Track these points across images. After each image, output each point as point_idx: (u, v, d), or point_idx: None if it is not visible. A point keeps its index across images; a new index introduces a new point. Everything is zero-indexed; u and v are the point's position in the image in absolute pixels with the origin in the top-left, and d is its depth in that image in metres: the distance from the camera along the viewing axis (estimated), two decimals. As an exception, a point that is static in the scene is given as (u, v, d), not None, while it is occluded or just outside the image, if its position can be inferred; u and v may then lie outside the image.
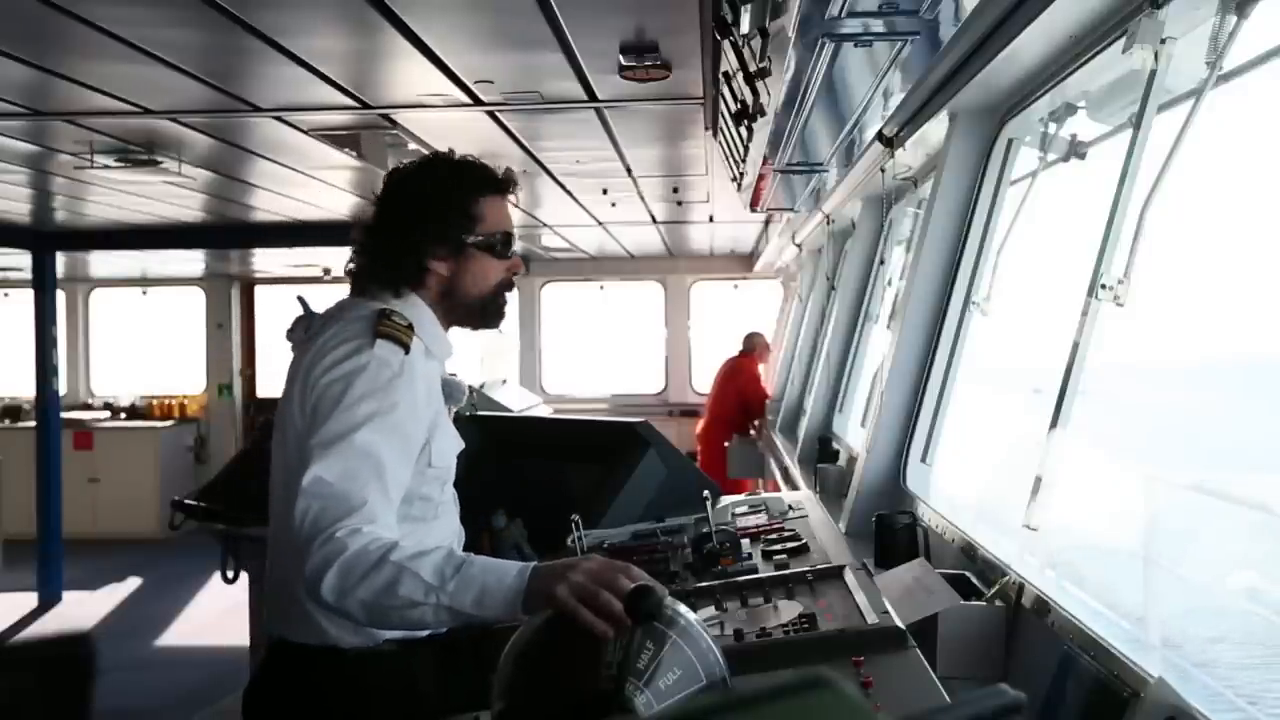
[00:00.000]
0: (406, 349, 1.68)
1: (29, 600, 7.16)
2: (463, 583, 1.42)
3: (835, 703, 0.64)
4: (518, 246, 1.93)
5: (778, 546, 2.49)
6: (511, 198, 1.90)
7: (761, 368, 8.44)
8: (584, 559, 1.40)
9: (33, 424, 7.80)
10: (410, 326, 1.72)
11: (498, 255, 1.85)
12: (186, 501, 4.08)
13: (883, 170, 3.71)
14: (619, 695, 1.13)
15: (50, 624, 6.78)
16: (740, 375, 8.19)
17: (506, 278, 1.88)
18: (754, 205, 5.23)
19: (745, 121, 2.98)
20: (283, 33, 2.87)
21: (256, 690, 1.82)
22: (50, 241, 7.31)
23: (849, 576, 1.88)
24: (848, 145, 3.51)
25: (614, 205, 6.39)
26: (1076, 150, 2.68)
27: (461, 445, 1.90)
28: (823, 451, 4.80)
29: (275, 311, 10.73)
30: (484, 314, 1.89)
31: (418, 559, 1.45)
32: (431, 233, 1.81)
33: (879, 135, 3.33)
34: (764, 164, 3.82)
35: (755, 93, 2.67)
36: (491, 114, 3.82)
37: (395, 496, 1.62)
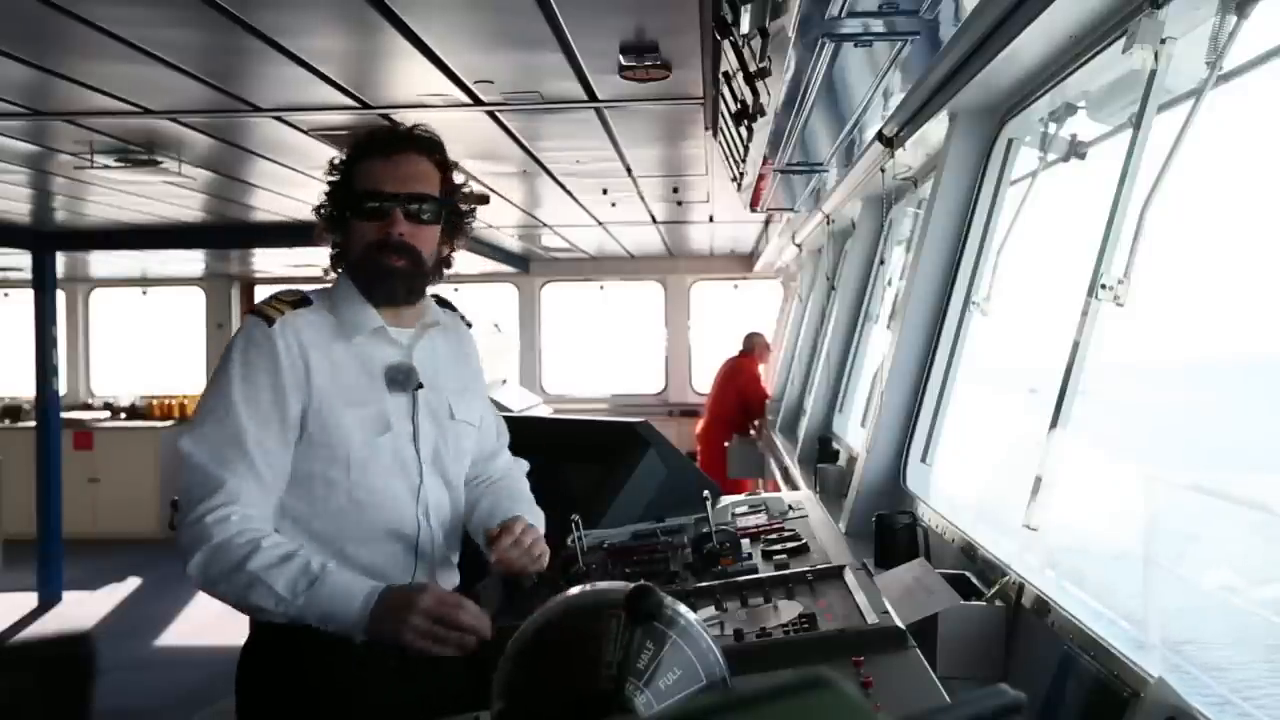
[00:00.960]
0: (270, 321, 1.72)
1: (29, 600, 7.15)
2: (310, 601, 1.57)
3: (835, 703, 0.64)
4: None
5: (778, 546, 2.50)
6: (393, 156, 1.79)
7: (761, 368, 8.44)
8: (418, 595, 1.54)
9: (33, 424, 7.80)
10: (298, 301, 1.77)
11: (361, 215, 1.78)
12: (186, 501, 4.07)
13: (883, 170, 3.71)
14: (619, 695, 1.13)
15: (50, 624, 6.78)
16: (740, 375, 8.20)
17: (376, 238, 1.77)
18: (754, 205, 5.23)
19: (745, 121, 2.98)
20: (283, 33, 2.87)
21: (240, 665, 1.91)
22: (50, 241, 7.30)
23: (849, 576, 1.88)
24: (848, 145, 3.50)
25: (614, 205, 6.39)
26: (1076, 150, 2.68)
27: (384, 428, 1.78)
28: (823, 451, 4.80)
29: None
30: (363, 281, 1.81)
31: (274, 570, 1.57)
32: (328, 209, 1.86)
33: (879, 135, 3.33)
34: (764, 164, 3.82)
35: (755, 93, 2.67)
36: (491, 114, 3.82)
37: (264, 467, 1.67)
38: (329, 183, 1.85)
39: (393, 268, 1.78)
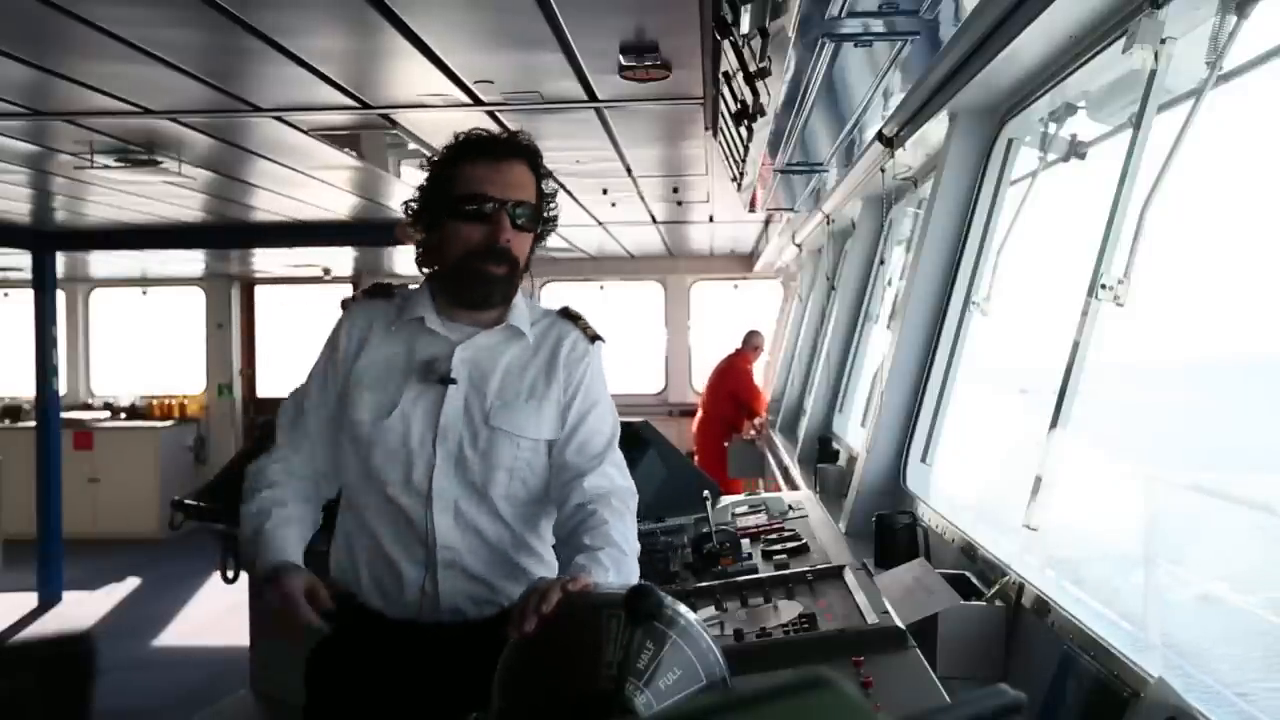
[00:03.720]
0: (345, 307, 1.91)
1: (29, 600, 7.15)
2: (250, 548, 1.77)
3: (835, 703, 0.64)
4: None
5: (778, 546, 2.50)
6: (501, 161, 1.80)
7: (755, 365, 8.43)
8: (283, 580, 1.66)
9: (33, 424, 7.80)
10: (378, 292, 1.90)
11: (465, 218, 1.78)
12: (186, 501, 4.08)
13: (883, 170, 3.71)
14: (619, 695, 1.13)
15: (50, 624, 6.78)
16: (731, 373, 8.22)
17: (480, 244, 1.77)
18: (754, 205, 5.23)
19: (745, 121, 2.98)
20: (283, 33, 2.87)
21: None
22: (50, 241, 7.30)
23: (849, 576, 1.88)
24: (848, 145, 3.51)
25: (614, 205, 6.38)
26: (1076, 150, 2.68)
27: (389, 413, 1.79)
28: (823, 451, 4.80)
29: (275, 311, 10.73)
30: (455, 285, 1.82)
31: (252, 517, 1.80)
32: (419, 207, 1.87)
33: (879, 135, 3.33)
34: (764, 164, 3.82)
35: (755, 93, 2.67)
36: (491, 114, 3.82)
37: (315, 431, 1.89)
38: (430, 178, 1.85)
39: (494, 275, 1.79)
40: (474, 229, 1.77)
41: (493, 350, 1.84)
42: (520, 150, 1.83)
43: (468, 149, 1.81)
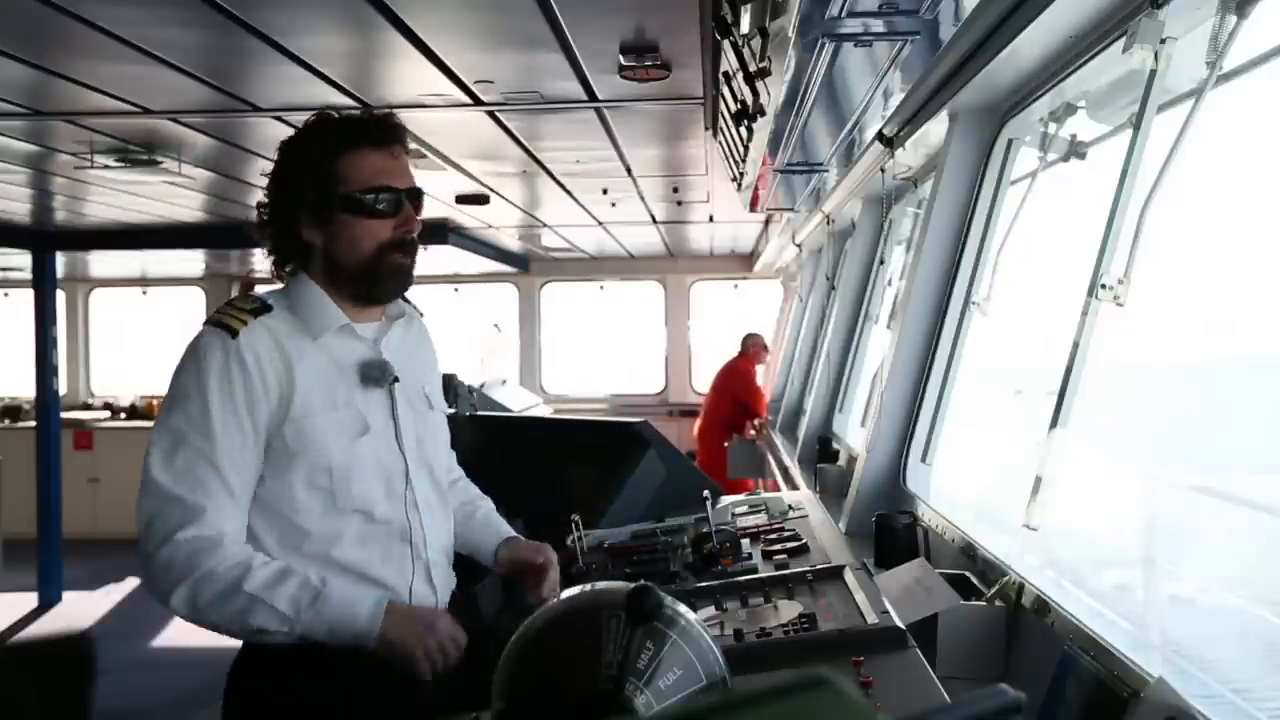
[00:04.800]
0: (234, 332, 1.62)
1: (29, 600, 7.15)
2: (316, 616, 1.56)
3: (835, 703, 0.64)
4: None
5: (778, 546, 2.50)
6: (392, 148, 1.70)
7: (760, 368, 8.44)
8: (439, 619, 1.63)
9: (33, 424, 7.80)
10: (259, 308, 1.67)
11: (373, 214, 1.66)
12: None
13: (883, 170, 3.72)
14: (619, 695, 1.13)
15: (50, 624, 6.78)
16: (734, 377, 8.22)
17: (393, 237, 1.68)
18: (754, 205, 5.23)
19: (745, 121, 2.98)
20: (283, 33, 2.87)
21: (227, 687, 1.77)
22: (50, 241, 7.31)
23: (849, 576, 1.88)
24: (848, 145, 3.51)
25: (614, 205, 6.39)
26: (1076, 150, 2.68)
27: (363, 430, 1.68)
28: (823, 451, 4.80)
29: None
30: (370, 281, 1.70)
31: (273, 589, 1.55)
32: (296, 202, 1.69)
33: (879, 135, 3.34)
34: (764, 164, 3.82)
35: (755, 93, 2.67)
36: (491, 114, 3.82)
37: (240, 488, 1.61)
38: (304, 169, 1.69)
39: (405, 266, 1.71)
40: (381, 224, 1.68)
41: (399, 339, 1.82)
42: (401, 133, 1.74)
43: (350, 136, 1.68)
